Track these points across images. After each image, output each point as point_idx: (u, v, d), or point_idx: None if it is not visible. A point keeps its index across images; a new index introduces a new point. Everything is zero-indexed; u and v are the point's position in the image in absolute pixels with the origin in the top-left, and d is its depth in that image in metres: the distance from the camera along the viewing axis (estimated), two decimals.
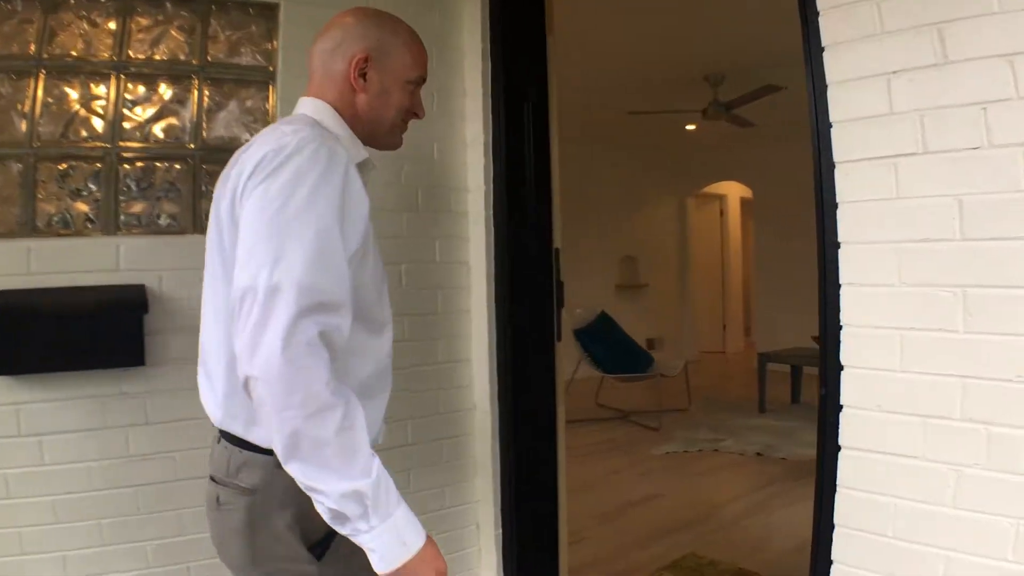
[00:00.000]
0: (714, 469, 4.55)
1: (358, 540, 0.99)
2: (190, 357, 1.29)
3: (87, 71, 1.91)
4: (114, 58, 1.94)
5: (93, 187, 1.92)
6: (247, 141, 1.21)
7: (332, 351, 0.98)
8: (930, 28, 1.36)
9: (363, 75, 1.22)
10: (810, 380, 6.45)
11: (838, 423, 1.50)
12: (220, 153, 2.02)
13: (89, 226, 1.91)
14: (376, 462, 0.99)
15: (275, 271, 0.96)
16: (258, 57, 2.11)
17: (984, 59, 1.30)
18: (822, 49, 1.51)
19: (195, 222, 2.01)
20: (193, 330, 1.24)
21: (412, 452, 2.33)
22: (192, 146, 2.03)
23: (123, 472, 1.89)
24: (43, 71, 1.87)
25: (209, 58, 2.05)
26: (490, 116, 2.44)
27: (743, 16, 4.34)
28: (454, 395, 2.44)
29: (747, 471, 4.44)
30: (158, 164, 1.99)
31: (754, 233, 8.97)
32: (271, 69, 2.11)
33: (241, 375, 0.96)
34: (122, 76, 1.95)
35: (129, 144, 1.96)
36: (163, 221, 1.99)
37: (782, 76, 5.17)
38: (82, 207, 1.91)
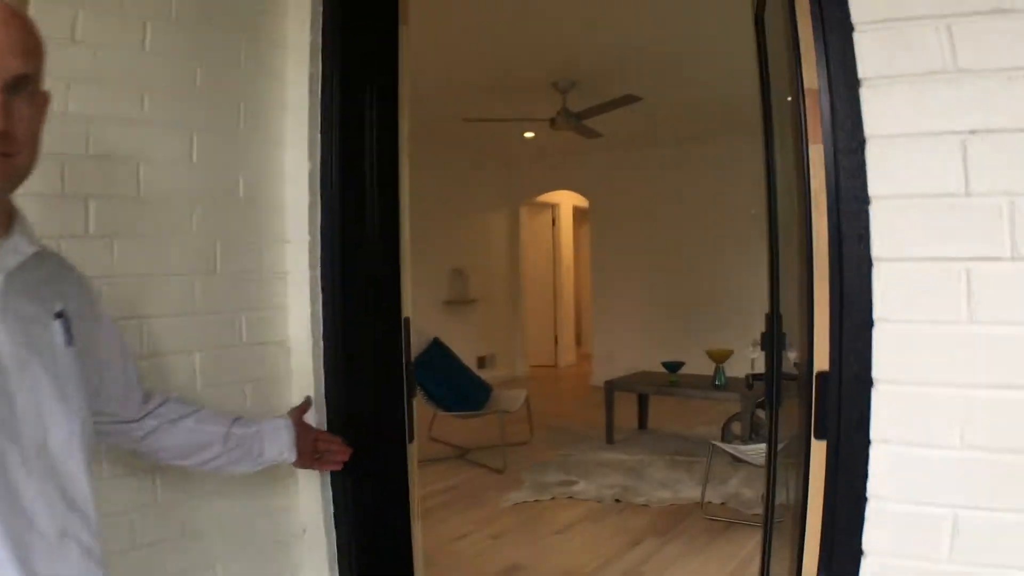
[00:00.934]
0: (572, 524, 4.09)
1: None
2: None
3: None
4: None
5: None
6: None
7: None
8: None
9: None
10: (657, 404, 6.26)
11: None
12: None
13: None
14: None
15: None
16: None
17: None
18: (858, 82, 1.00)
19: None
20: None
21: None
22: None
23: None
24: None
25: None
26: (318, 137, 1.75)
27: (595, 20, 3.90)
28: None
29: (609, 525, 4.03)
30: None
31: (591, 246, 8.76)
32: None
33: None
34: None
35: None
36: None
37: (635, 85, 4.83)
38: None
